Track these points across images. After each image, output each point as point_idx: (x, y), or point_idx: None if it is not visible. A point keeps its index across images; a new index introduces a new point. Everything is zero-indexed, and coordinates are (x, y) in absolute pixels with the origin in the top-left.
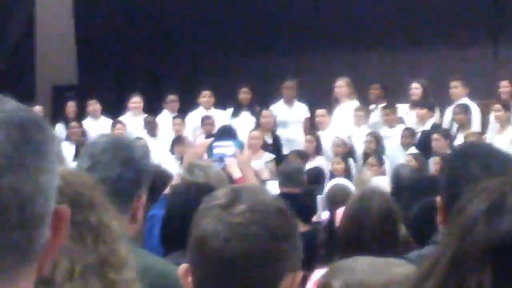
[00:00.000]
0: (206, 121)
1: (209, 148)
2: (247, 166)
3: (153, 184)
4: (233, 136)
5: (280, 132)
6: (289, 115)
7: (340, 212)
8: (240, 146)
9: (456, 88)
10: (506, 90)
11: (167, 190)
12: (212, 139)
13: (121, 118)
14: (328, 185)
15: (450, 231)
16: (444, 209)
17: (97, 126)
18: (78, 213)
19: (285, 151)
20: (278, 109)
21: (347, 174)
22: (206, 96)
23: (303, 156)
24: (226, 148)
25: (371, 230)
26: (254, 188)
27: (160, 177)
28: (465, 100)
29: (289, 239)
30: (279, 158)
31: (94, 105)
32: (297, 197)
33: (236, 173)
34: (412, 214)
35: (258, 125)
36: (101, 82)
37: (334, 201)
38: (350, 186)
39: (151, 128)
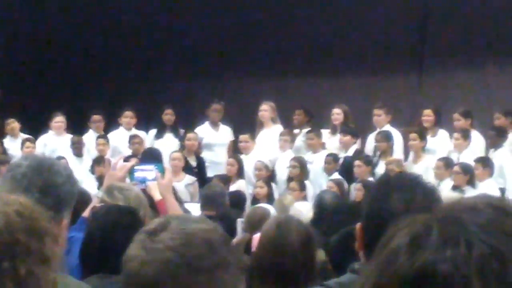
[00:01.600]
0: (133, 140)
1: (131, 171)
2: (168, 191)
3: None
4: (157, 159)
5: (205, 154)
6: (214, 138)
7: (256, 237)
8: (162, 170)
9: (379, 116)
10: (429, 119)
11: (86, 212)
12: (133, 162)
13: (42, 137)
14: (250, 208)
15: (372, 264)
16: (362, 237)
17: (16, 145)
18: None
19: (210, 173)
20: (204, 132)
21: (269, 198)
22: (128, 116)
23: (226, 180)
24: (148, 172)
25: (288, 257)
26: (188, 218)
27: (79, 199)
28: (388, 127)
29: (210, 271)
30: (203, 181)
31: (11, 124)
32: (216, 220)
33: (157, 196)
34: (333, 242)
35: (182, 147)
36: (24, 100)
37: (253, 225)
38: (271, 210)
39: (77, 148)
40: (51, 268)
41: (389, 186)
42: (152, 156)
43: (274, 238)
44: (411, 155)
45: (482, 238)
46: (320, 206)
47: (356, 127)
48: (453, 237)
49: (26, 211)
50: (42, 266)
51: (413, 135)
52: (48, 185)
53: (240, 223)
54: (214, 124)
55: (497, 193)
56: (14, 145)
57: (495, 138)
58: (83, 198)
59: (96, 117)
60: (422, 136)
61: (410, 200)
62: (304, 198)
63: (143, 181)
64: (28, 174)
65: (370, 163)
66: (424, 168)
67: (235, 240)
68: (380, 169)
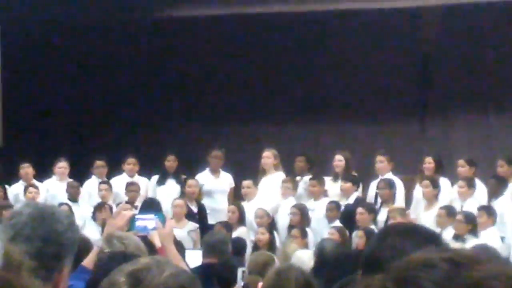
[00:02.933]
0: (130, 187)
1: (131, 220)
2: (169, 240)
3: (78, 256)
4: (156, 209)
5: (205, 201)
6: (215, 185)
7: (260, 286)
8: (163, 219)
9: (382, 163)
10: (430, 166)
11: (86, 260)
12: (134, 212)
13: (46, 182)
14: (252, 255)
15: None
16: None
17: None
18: None
19: (211, 220)
20: (204, 178)
21: (271, 245)
22: (131, 163)
23: (229, 227)
24: (148, 221)
25: None
26: (158, 265)
27: (80, 246)
28: (389, 175)
29: None
30: (204, 228)
31: (26, 169)
32: (217, 268)
33: (158, 243)
34: None
35: (183, 194)
36: (26, 145)
37: (256, 270)
38: (273, 258)
39: (73, 193)
40: None
41: (385, 234)
42: (151, 206)
43: (273, 286)
44: (419, 203)
45: None
46: (321, 255)
47: (358, 174)
48: None
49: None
50: None
51: (425, 182)
52: (49, 233)
53: (240, 272)
54: (215, 171)
55: (498, 242)
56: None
57: (496, 187)
58: (84, 246)
59: (99, 162)
60: (434, 184)
61: (400, 249)
62: (306, 245)
63: (143, 230)
64: (29, 223)
65: (372, 210)
66: (434, 217)
67: None
68: (382, 216)
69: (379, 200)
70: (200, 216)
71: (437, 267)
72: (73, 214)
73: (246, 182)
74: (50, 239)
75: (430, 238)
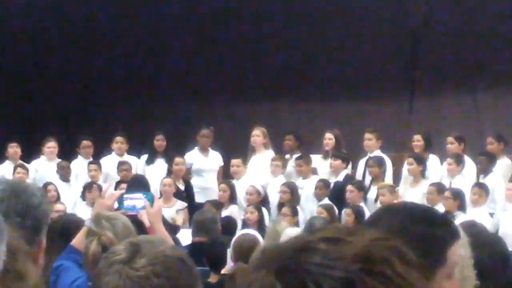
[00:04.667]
0: (122, 166)
1: (120, 200)
2: (157, 219)
3: (61, 232)
4: (144, 187)
5: (194, 180)
6: (204, 164)
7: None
8: (151, 199)
9: (370, 140)
10: (419, 144)
11: (74, 240)
12: (122, 191)
13: (34, 162)
14: (236, 235)
15: None
16: None
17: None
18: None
19: (200, 199)
20: (193, 157)
21: (260, 223)
22: (118, 142)
23: (218, 205)
24: (137, 201)
25: None
26: (154, 240)
27: (69, 225)
28: (378, 153)
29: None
30: (192, 206)
31: (16, 148)
32: (207, 246)
33: (147, 222)
34: None
35: (170, 172)
36: (12, 127)
37: (239, 253)
38: (258, 237)
39: (64, 174)
40: (28, 284)
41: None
42: (139, 184)
43: None
44: (407, 180)
45: (327, 274)
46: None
47: (348, 153)
48: (301, 284)
49: None
50: (18, 282)
51: (410, 160)
52: (26, 208)
53: (229, 252)
54: (204, 150)
55: (488, 219)
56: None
57: (485, 164)
58: (73, 225)
59: (85, 142)
60: (419, 161)
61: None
62: (296, 223)
63: (132, 209)
64: (5, 199)
65: (362, 188)
66: (421, 194)
67: (224, 270)
68: (372, 194)
69: (368, 178)
70: (187, 195)
71: (316, 249)
72: (42, 187)
73: (234, 161)
74: (27, 214)
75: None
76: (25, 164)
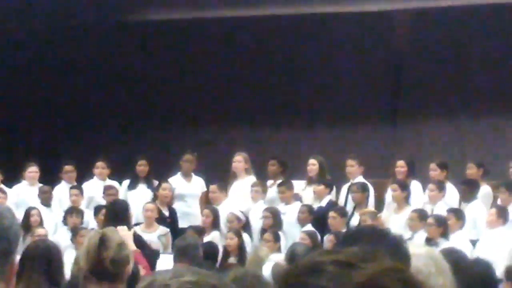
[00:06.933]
0: (108, 191)
1: None
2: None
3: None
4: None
5: (177, 205)
6: (187, 189)
7: None
8: None
9: (352, 166)
10: (402, 170)
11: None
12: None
13: (16, 186)
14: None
15: None
16: None
17: None
18: None
19: (182, 224)
20: (176, 182)
21: (240, 249)
22: (99, 167)
23: (200, 231)
24: None
25: None
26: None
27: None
28: (360, 179)
29: None
30: (175, 232)
31: None
32: None
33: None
34: None
35: (155, 198)
36: None
37: None
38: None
39: (45, 198)
40: None
41: (352, 239)
42: (116, 216)
43: None
44: (391, 206)
45: None
46: (292, 259)
47: (332, 179)
48: None
49: None
50: None
51: (393, 186)
52: (1, 229)
53: None
54: (186, 175)
55: (468, 245)
56: None
57: (467, 191)
58: (56, 253)
59: (68, 167)
60: (403, 187)
61: None
62: (279, 249)
63: None
64: None
65: (345, 214)
66: (405, 220)
67: None
68: (355, 220)
69: (350, 204)
70: (171, 220)
71: (325, 271)
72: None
73: (212, 187)
74: (1, 235)
75: (399, 242)
76: (4, 188)
